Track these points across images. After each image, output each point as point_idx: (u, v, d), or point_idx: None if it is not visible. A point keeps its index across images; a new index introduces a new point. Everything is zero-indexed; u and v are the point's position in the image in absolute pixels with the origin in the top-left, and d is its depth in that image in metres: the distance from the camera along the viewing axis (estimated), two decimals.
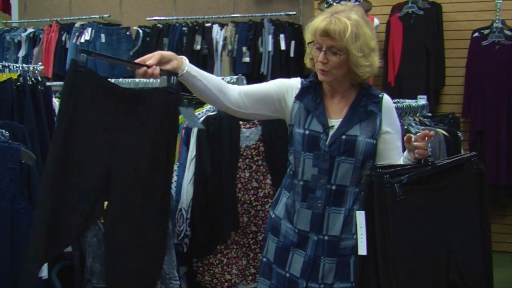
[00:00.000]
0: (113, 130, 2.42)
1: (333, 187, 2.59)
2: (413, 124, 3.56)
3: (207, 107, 3.80)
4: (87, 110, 2.36)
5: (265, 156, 3.60)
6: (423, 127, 3.60)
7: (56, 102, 3.53)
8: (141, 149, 2.46)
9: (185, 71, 2.49)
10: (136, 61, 2.44)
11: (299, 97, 2.70)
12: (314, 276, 2.64)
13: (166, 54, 2.48)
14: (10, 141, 2.62)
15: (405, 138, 2.45)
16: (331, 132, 2.59)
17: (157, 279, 2.61)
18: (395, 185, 2.37)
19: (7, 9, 8.30)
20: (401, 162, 2.55)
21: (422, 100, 3.84)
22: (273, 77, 6.10)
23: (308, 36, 2.65)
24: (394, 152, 2.62)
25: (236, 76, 4.05)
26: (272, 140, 3.58)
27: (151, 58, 2.42)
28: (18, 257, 2.48)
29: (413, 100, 3.76)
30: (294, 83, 2.74)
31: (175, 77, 2.44)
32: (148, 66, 2.40)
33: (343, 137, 2.57)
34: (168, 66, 2.45)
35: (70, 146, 2.33)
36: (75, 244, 3.13)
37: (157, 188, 2.50)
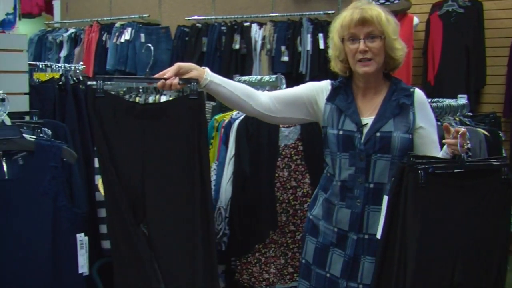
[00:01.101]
0: (142, 147, 2.48)
1: (371, 185, 2.57)
2: (453, 124, 3.50)
3: None
4: (115, 133, 2.43)
5: (304, 156, 3.59)
6: (463, 126, 3.55)
7: None
8: (173, 160, 2.51)
9: (208, 80, 2.52)
10: (155, 76, 2.49)
11: (330, 98, 2.70)
12: (353, 276, 2.62)
13: (185, 65, 2.54)
14: (52, 140, 2.66)
15: (443, 126, 2.45)
16: (365, 130, 2.58)
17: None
18: (419, 171, 2.38)
19: (49, 10, 8.42)
20: (439, 156, 2.53)
21: (462, 100, 3.78)
22: (311, 76, 6.10)
23: (338, 35, 2.64)
24: (430, 146, 2.60)
25: (275, 76, 4.05)
26: (311, 140, 3.56)
27: (169, 71, 2.49)
28: (59, 254, 2.51)
29: (453, 100, 3.71)
30: (324, 85, 2.75)
31: (194, 83, 2.47)
32: (166, 79, 2.43)
33: (378, 134, 2.55)
34: (187, 76, 2.51)
35: (113, 169, 2.44)
36: None
37: (195, 193, 2.53)
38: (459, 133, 2.39)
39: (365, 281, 2.59)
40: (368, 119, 2.60)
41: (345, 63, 2.68)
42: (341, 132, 2.61)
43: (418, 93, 2.65)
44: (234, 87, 2.60)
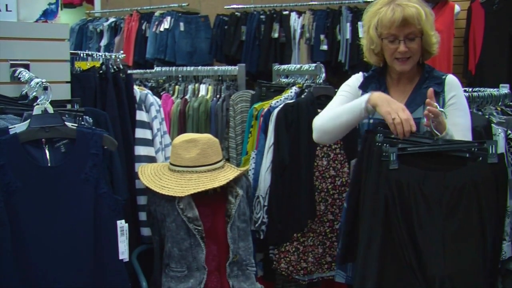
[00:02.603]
0: None
1: None
2: (495, 114, 3.45)
3: (285, 94, 3.80)
4: None
5: (343, 145, 3.58)
6: (505, 116, 3.49)
7: (137, 89, 3.58)
8: None
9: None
10: None
11: (362, 86, 2.73)
12: None
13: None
14: (93, 127, 2.68)
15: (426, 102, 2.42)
16: None
17: None
18: (384, 144, 2.36)
19: (90, 0, 8.52)
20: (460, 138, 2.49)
21: (504, 89, 3.71)
22: (351, 65, 6.07)
23: (376, 32, 2.62)
24: (453, 129, 2.50)
25: (314, 64, 4.03)
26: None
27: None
28: (100, 240, 2.54)
29: (495, 89, 3.64)
30: (357, 80, 2.79)
31: None
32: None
33: None
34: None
35: None
36: (155, 228, 3.20)
37: None
38: (429, 113, 2.37)
39: None
40: None
41: (380, 56, 2.66)
42: (371, 121, 2.64)
43: (449, 79, 2.65)
44: None
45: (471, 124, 2.66)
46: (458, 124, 2.56)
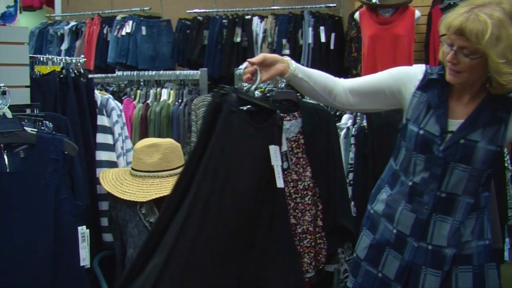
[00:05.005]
0: None
1: (443, 195, 2.36)
2: None
3: None
4: None
5: (305, 149, 3.59)
6: None
7: (98, 94, 3.56)
8: None
9: (292, 74, 2.39)
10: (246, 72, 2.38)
11: (422, 88, 2.41)
12: (410, 283, 2.46)
13: (269, 56, 2.38)
14: (53, 132, 2.65)
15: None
16: (448, 137, 2.33)
17: None
18: (232, 94, 2.32)
19: (50, 3, 8.43)
20: None
21: None
22: None
23: (441, 29, 2.33)
24: None
25: None
26: (313, 133, 3.55)
27: (253, 61, 2.34)
28: (61, 247, 2.51)
29: None
30: (414, 73, 2.46)
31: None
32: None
33: (462, 141, 2.30)
34: (272, 71, 2.37)
35: None
36: (117, 234, 3.18)
37: None
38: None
39: None
40: (457, 122, 2.33)
41: None
42: (421, 132, 2.37)
43: None
44: (315, 81, 2.44)
45: None
46: None
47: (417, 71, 2.46)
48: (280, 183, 2.31)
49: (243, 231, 2.37)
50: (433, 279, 2.41)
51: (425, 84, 2.41)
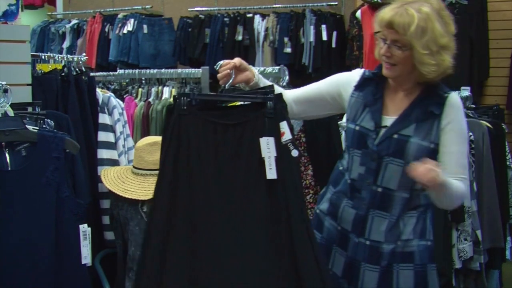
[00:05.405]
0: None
1: (379, 189, 2.43)
2: None
3: None
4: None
5: (307, 147, 3.59)
6: (466, 119, 3.55)
7: (99, 92, 3.56)
8: None
9: (253, 81, 2.48)
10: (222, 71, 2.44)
11: (359, 87, 2.54)
12: (355, 282, 2.51)
13: (244, 62, 2.47)
14: (55, 131, 2.65)
15: None
16: (382, 131, 2.42)
17: None
18: (182, 98, 2.28)
19: (52, 1, 8.43)
20: (457, 168, 2.36)
21: (465, 92, 3.78)
22: (314, 68, 6.10)
23: (375, 26, 2.45)
24: (448, 158, 2.38)
25: (277, 67, 4.04)
26: (314, 131, 3.56)
27: (230, 63, 2.42)
28: (62, 245, 2.51)
29: (456, 91, 3.69)
30: (353, 76, 2.59)
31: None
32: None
33: (395, 136, 2.39)
34: (243, 76, 2.46)
35: None
36: (118, 232, 3.18)
37: None
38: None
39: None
40: (391, 119, 2.44)
41: None
42: (357, 128, 2.47)
43: (451, 99, 2.43)
44: None
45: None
46: (453, 152, 2.38)
47: (355, 74, 2.59)
48: (271, 175, 2.30)
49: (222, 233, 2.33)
50: (371, 275, 2.47)
51: (361, 84, 2.54)
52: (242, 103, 2.44)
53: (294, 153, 2.36)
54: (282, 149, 2.31)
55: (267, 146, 2.30)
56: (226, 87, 2.45)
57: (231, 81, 2.43)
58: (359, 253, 2.49)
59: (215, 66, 2.50)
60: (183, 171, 2.28)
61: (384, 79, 2.52)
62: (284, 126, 2.35)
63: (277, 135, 2.32)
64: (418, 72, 2.38)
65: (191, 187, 2.29)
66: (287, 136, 2.36)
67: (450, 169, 2.34)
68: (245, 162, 2.31)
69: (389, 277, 2.46)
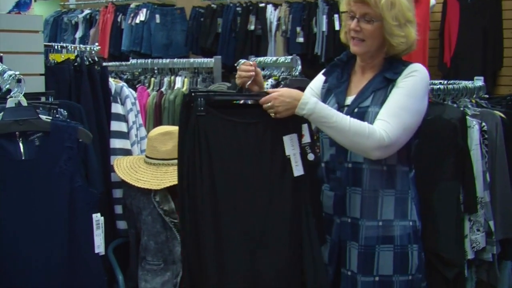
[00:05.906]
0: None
1: (350, 165, 2.48)
2: (469, 106, 3.47)
3: None
4: None
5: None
6: (479, 109, 3.52)
7: (112, 82, 3.56)
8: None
9: None
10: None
11: (326, 73, 2.66)
12: (342, 262, 2.53)
13: (261, 77, 2.56)
14: (68, 120, 2.66)
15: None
16: (345, 109, 2.47)
17: None
18: (199, 99, 2.30)
19: None
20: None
21: (479, 82, 3.74)
22: (327, 58, 6.08)
23: (342, 7, 2.54)
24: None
25: (290, 57, 4.04)
26: None
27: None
28: (75, 234, 2.52)
29: (470, 81, 3.67)
30: (320, 76, 2.71)
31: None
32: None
33: (356, 110, 2.44)
34: (255, 88, 2.50)
35: None
36: (131, 222, 3.19)
37: None
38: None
39: (353, 268, 2.49)
40: (353, 98, 2.51)
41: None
42: None
43: (412, 66, 2.47)
44: None
45: (424, 111, 2.47)
46: (389, 100, 2.40)
47: (321, 74, 2.72)
48: (298, 171, 2.33)
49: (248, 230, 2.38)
50: (356, 253, 2.48)
51: (327, 71, 2.66)
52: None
53: (310, 156, 2.39)
54: (300, 149, 2.35)
55: (291, 144, 2.34)
56: (246, 86, 2.48)
57: (250, 81, 2.46)
58: (343, 232, 2.52)
59: (235, 64, 2.51)
60: (206, 171, 2.31)
61: (351, 63, 2.61)
62: (305, 128, 2.38)
63: (299, 133, 2.36)
64: (388, 46, 2.47)
65: (215, 186, 2.33)
66: (306, 139, 2.39)
67: (380, 113, 2.38)
68: (269, 160, 2.34)
69: (372, 258, 2.46)
